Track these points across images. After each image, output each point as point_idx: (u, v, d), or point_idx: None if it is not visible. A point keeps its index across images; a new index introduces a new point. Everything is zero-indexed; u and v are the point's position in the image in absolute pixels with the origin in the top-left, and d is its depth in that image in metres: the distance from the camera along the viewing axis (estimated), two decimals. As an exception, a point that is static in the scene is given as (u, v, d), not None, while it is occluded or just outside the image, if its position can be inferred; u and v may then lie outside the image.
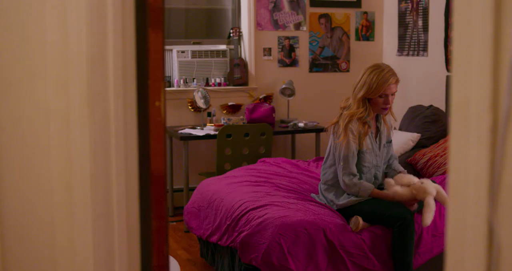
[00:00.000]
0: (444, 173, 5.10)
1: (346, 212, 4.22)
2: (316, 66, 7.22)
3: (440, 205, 4.13)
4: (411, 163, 5.46)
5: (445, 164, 5.18)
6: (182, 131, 6.16)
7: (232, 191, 4.63)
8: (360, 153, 4.19)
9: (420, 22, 6.68)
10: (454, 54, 1.14)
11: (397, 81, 4.20)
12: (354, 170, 4.17)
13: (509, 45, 1.03)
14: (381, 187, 4.30)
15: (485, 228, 1.09)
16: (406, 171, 4.45)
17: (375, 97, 4.17)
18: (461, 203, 1.14)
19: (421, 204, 4.09)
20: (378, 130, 4.34)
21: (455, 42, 1.13)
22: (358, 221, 4.05)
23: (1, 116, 1.69)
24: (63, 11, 1.59)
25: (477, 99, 1.07)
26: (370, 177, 4.27)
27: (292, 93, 6.78)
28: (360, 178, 4.22)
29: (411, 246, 4.03)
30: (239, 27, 6.96)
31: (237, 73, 6.86)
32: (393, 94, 4.20)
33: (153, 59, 1.70)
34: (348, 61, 7.33)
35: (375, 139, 4.31)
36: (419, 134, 5.73)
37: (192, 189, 5.59)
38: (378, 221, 4.12)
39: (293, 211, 4.12)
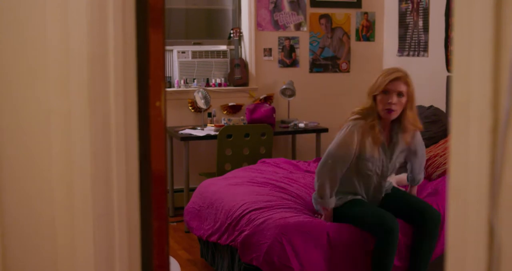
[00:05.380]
0: (443, 173, 5.10)
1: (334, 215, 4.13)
2: (316, 66, 7.22)
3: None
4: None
5: (444, 163, 5.19)
6: (182, 131, 6.16)
7: (232, 191, 4.63)
8: (360, 158, 3.98)
9: (420, 23, 6.68)
10: (455, 54, 1.14)
11: (405, 81, 3.90)
12: (338, 176, 4.00)
13: (510, 45, 1.03)
14: (390, 198, 4.21)
15: (485, 228, 1.09)
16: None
17: (379, 94, 3.90)
18: (461, 203, 1.14)
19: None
20: (391, 139, 4.05)
21: (455, 42, 1.13)
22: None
23: (2, 117, 1.69)
24: (64, 10, 1.59)
25: (478, 99, 1.07)
26: (368, 185, 4.11)
27: (292, 94, 6.78)
28: (352, 183, 4.08)
29: (392, 255, 3.92)
30: (239, 28, 6.96)
31: (238, 74, 6.86)
32: (400, 94, 3.88)
33: (154, 59, 1.70)
34: (349, 61, 7.33)
35: (386, 147, 4.02)
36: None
37: (193, 190, 5.59)
38: (364, 227, 4.02)
39: (295, 212, 4.13)
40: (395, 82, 3.88)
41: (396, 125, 4.01)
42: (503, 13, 1.05)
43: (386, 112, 3.89)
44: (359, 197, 4.12)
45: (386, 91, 3.87)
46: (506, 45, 1.05)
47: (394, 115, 3.92)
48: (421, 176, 4.39)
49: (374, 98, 3.93)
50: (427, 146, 5.71)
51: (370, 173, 4.03)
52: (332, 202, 4.03)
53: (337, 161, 3.97)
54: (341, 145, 3.97)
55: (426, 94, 6.47)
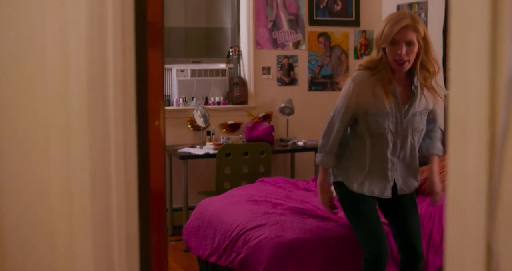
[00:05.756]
0: (442, 189, 5.10)
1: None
2: (315, 84, 7.24)
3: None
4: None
5: (443, 181, 5.19)
6: (181, 150, 6.16)
7: (230, 210, 4.63)
8: (368, 114, 3.56)
9: (418, 41, 6.70)
10: (452, 72, 1.15)
11: (414, 28, 3.46)
12: (335, 130, 3.69)
13: (506, 63, 1.04)
14: (420, 160, 3.81)
15: (483, 244, 1.09)
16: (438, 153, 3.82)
17: (388, 46, 3.49)
18: (459, 219, 1.14)
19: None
20: (411, 96, 3.60)
21: (452, 59, 1.14)
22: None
23: (1, 132, 1.70)
24: (63, 28, 1.60)
25: (475, 116, 1.08)
26: (380, 146, 3.62)
27: (291, 112, 6.79)
28: (363, 144, 3.64)
29: None
30: (238, 46, 6.99)
31: (237, 92, 6.87)
32: (409, 43, 3.47)
33: (153, 79, 1.71)
34: (347, 79, 7.35)
35: (400, 102, 3.56)
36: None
37: (192, 208, 5.58)
38: (357, 234, 3.72)
39: (290, 230, 4.12)
40: (403, 31, 3.47)
41: (415, 78, 3.61)
42: (499, 32, 1.06)
43: (396, 64, 3.50)
44: (366, 186, 3.66)
45: (394, 42, 3.48)
46: (502, 62, 1.05)
47: (407, 67, 3.53)
48: (439, 145, 3.85)
49: (384, 49, 3.54)
50: (426, 164, 5.70)
51: (383, 130, 3.58)
52: (329, 161, 3.71)
53: (336, 114, 3.66)
54: (340, 98, 3.65)
55: (425, 112, 6.47)
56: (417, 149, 3.75)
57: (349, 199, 3.70)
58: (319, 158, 3.77)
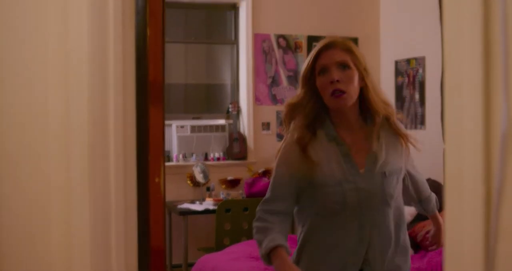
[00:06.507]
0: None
1: None
2: (314, 140, 7.26)
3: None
4: (411, 236, 5.44)
5: (443, 236, 5.18)
6: (181, 205, 6.15)
7: (230, 267, 4.60)
8: (314, 186, 2.51)
9: (417, 96, 6.76)
10: (447, 128, 1.16)
11: (345, 47, 2.52)
12: (274, 203, 2.63)
13: (500, 119, 1.06)
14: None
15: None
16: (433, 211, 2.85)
17: (317, 79, 2.51)
18: (458, 275, 1.14)
19: None
20: (371, 149, 2.52)
21: (447, 115, 1.16)
22: None
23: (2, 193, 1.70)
24: (65, 88, 1.62)
25: (470, 172, 1.09)
26: (340, 229, 2.50)
27: (291, 167, 6.79)
28: (307, 221, 2.66)
29: None
30: (238, 102, 7.04)
31: (236, 148, 6.89)
32: (343, 65, 2.48)
33: (153, 136, 1.72)
34: (346, 134, 7.37)
35: (361, 162, 2.50)
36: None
37: (191, 265, 5.54)
38: None
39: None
40: (330, 51, 2.51)
41: (366, 115, 2.59)
42: (492, 87, 1.07)
43: (333, 98, 2.47)
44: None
45: (322, 69, 2.50)
46: (496, 118, 1.07)
47: (348, 99, 2.48)
48: (430, 194, 2.86)
49: (312, 86, 2.54)
50: (427, 218, 5.68)
51: (338, 206, 2.48)
52: (277, 241, 2.51)
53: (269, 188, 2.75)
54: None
55: (424, 167, 6.47)
56: (402, 218, 2.65)
57: None
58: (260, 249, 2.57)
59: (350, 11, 7.36)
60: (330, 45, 2.53)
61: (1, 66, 1.66)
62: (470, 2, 1.08)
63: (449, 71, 1.14)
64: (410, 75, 6.86)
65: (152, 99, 1.71)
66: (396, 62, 7.08)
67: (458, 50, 1.11)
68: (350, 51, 2.53)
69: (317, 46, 2.55)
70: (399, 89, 7.05)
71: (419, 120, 6.73)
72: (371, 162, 2.51)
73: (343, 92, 2.46)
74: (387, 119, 2.59)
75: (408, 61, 6.89)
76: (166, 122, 6.92)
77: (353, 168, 2.49)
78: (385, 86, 7.37)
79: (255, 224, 2.60)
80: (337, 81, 2.45)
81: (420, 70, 6.68)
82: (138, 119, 1.70)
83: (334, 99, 2.47)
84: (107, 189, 1.63)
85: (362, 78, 2.54)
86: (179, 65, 7.10)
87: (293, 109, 2.59)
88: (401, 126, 2.65)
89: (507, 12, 1.03)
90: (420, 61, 6.69)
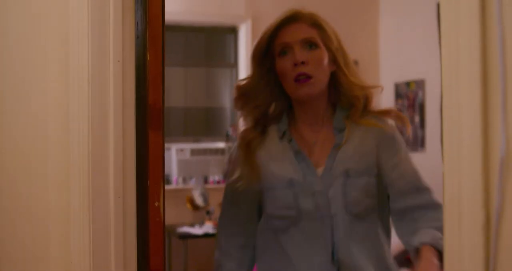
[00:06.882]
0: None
1: None
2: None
3: None
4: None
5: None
6: (180, 229, 6.13)
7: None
8: (266, 192, 2.06)
9: (416, 118, 6.76)
10: (445, 151, 1.16)
11: (312, 21, 2.01)
12: (228, 230, 2.18)
13: (499, 142, 1.06)
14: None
15: None
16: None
17: (277, 60, 2.01)
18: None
19: None
20: (334, 146, 2.00)
21: (445, 139, 1.16)
22: None
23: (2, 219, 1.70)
24: (65, 114, 1.62)
25: (469, 196, 1.09)
26: (294, 244, 1.98)
27: (290, 190, 6.78)
28: (263, 239, 2.07)
29: None
30: (237, 125, 7.04)
31: (236, 171, 6.88)
32: (309, 43, 1.98)
33: (153, 160, 1.72)
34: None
35: (318, 162, 2.01)
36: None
37: (191, 288, 5.51)
38: None
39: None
40: (293, 26, 2.00)
41: (336, 112, 2.06)
42: (491, 112, 1.08)
43: (297, 85, 1.97)
44: None
45: (283, 49, 2.00)
46: (495, 143, 1.07)
47: (316, 86, 1.98)
48: (432, 231, 1.92)
49: (268, 69, 2.06)
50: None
51: (291, 213, 1.97)
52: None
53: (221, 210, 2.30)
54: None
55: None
56: (379, 232, 2.07)
57: None
58: None
59: (349, 34, 7.36)
60: (293, 18, 2.00)
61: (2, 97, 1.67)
62: (468, 26, 1.08)
63: (448, 95, 1.15)
64: (410, 98, 6.87)
65: (152, 123, 1.71)
66: (396, 85, 7.09)
67: (456, 74, 1.11)
68: (318, 26, 2.02)
69: (277, 19, 2.01)
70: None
71: (419, 143, 6.73)
72: (331, 159, 1.99)
73: (309, 77, 1.95)
74: (365, 106, 2.05)
75: (407, 83, 6.90)
76: (166, 145, 6.90)
77: (308, 168, 1.99)
78: (384, 109, 7.37)
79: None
80: (302, 63, 1.95)
81: (420, 93, 6.70)
82: (137, 143, 1.70)
83: (298, 86, 1.95)
84: (107, 214, 1.63)
85: (333, 60, 2.02)
86: (179, 88, 7.11)
87: (244, 94, 2.15)
88: (381, 107, 2.14)
89: (505, 36, 1.04)
90: (420, 84, 6.71)
